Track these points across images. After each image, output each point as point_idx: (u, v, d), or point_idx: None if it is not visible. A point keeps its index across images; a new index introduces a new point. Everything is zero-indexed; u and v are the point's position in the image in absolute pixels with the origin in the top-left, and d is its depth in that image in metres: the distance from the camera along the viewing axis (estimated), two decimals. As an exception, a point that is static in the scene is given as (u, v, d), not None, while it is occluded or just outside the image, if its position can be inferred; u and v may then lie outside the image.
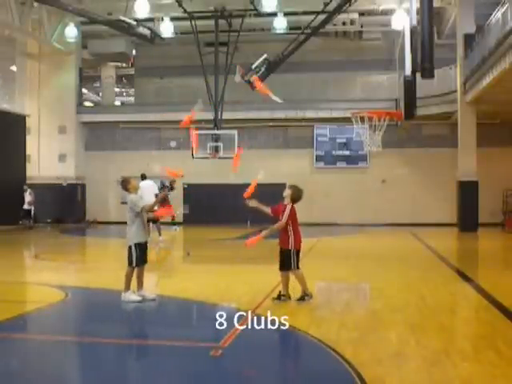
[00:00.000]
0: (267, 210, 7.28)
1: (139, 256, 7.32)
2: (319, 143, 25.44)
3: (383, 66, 25.04)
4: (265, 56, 20.15)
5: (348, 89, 25.17)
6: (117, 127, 26.49)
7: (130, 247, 7.33)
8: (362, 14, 23.80)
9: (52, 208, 25.06)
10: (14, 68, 26.55)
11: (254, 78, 6.53)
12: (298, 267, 7.17)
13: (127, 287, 7.37)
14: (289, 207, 7.10)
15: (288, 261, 7.13)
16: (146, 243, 7.48)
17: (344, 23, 23.70)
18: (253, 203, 7.23)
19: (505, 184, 22.84)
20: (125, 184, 7.52)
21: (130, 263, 7.34)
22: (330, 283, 9.50)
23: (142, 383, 4.50)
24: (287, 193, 7.15)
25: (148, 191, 15.68)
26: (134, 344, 5.51)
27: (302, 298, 7.16)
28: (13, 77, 26.40)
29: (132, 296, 7.35)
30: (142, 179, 16.07)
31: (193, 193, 24.86)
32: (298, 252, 7.18)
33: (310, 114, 24.59)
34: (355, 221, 23.97)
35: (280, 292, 7.25)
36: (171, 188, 17.08)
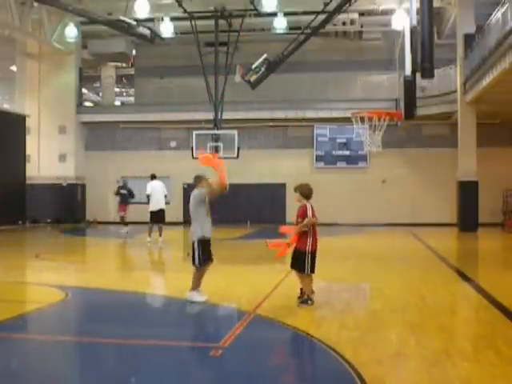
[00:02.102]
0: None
1: (204, 253, 7.14)
2: (319, 143, 25.44)
3: (383, 66, 25.04)
4: (265, 56, 20.18)
5: (348, 89, 25.18)
6: (117, 127, 26.50)
7: (195, 242, 7.16)
8: (362, 14, 23.79)
9: (52, 208, 25.08)
10: (14, 68, 26.57)
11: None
12: (312, 271, 6.99)
13: (196, 286, 7.21)
14: (309, 205, 6.98)
15: (302, 263, 6.94)
16: (208, 240, 7.24)
17: (344, 23, 23.69)
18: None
19: (505, 184, 22.84)
20: (197, 181, 7.45)
21: (202, 262, 7.15)
22: (330, 283, 9.49)
23: (142, 383, 4.50)
24: (297, 196, 7.07)
25: (158, 191, 15.72)
26: (133, 344, 5.50)
27: (304, 302, 7.05)
28: (13, 77, 26.42)
29: (197, 296, 7.15)
30: (152, 179, 16.09)
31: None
32: (313, 254, 7.01)
33: (309, 114, 24.60)
34: (355, 221, 23.97)
35: (301, 289, 7.15)
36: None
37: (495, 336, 5.67)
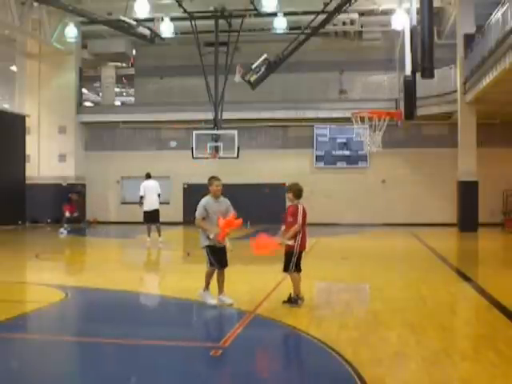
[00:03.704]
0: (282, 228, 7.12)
1: (214, 259, 7.01)
2: (319, 143, 25.44)
3: (383, 66, 25.04)
4: (265, 56, 20.20)
5: (348, 89, 25.18)
6: (117, 127, 26.51)
7: (204, 249, 7.11)
8: (362, 14, 23.78)
9: (52, 208, 25.05)
10: (14, 68, 26.55)
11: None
12: (297, 270, 6.99)
13: (206, 286, 7.15)
14: (300, 207, 7.01)
15: (288, 262, 6.99)
16: (219, 247, 7.01)
17: (344, 23, 23.68)
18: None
19: (505, 184, 22.85)
20: (209, 183, 7.15)
21: (208, 264, 7.10)
22: (329, 283, 9.50)
23: (142, 383, 4.50)
24: (289, 196, 7.11)
25: (151, 191, 15.65)
26: (133, 344, 5.50)
27: (294, 301, 6.94)
28: (13, 77, 26.40)
29: (207, 297, 7.10)
30: (147, 178, 16.00)
31: (192, 193, 24.86)
32: (300, 254, 7.02)
33: (309, 114, 24.60)
34: (355, 221, 23.97)
35: (290, 294, 7.05)
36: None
37: (495, 336, 5.67)
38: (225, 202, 7.18)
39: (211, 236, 6.90)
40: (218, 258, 7.03)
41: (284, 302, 7.09)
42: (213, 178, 7.14)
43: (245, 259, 12.58)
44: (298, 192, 7.10)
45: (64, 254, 15.04)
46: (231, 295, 7.87)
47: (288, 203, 7.26)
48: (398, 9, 21.76)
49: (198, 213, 6.99)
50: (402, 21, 20.18)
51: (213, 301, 7.05)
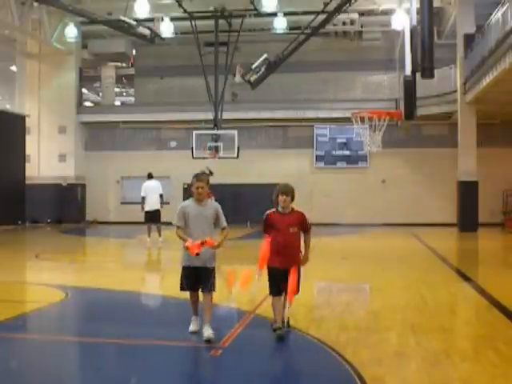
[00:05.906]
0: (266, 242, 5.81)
1: (184, 279, 5.59)
2: (319, 143, 25.44)
3: (383, 66, 25.04)
4: (265, 56, 20.23)
5: (348, 89, 25.19)
6: (117, 127, 26.51)
7: None
8: (361, 14, 23.80)
9: (52, 208, 25.08)
10: (14, 68, 26.56)
11: None
12: (270, 293, 5.83)
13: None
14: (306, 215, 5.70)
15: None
16: (194, 267, 5.48)
17: (344, 23, 23.71)
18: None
19: (505, 184, 22.85)
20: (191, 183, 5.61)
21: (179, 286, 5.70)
22: (329, 283, 9.50)
23: (142, 383, 4.50)
24: (288, 199, 5.56)
25: (153, 190, 15.61)
26: (133, 344, 5.50)
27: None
28: (13, 77, 26.41)
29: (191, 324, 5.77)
30: (148, 178, 15.95)
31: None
32: (269, 271, 5.85)
33: (309, 114, 24.60)
34: (355, 221, 23.97)
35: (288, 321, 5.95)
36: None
37: (495, 336, 5.67)
38: (212, 207, 5.59)
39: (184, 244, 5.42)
40: (188, 278, 5.57)
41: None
42: (195, 177, 5.53)
43: (245, 259, 12.58)
44: (294, 194, 5.66)
45: (64, 253, 15.02)
46: (231, 295, 7.88)
47: (283, 208, 5.60)
48: (398, 9, 21.76)
49: (175, 221, 5.54)
50: (402, 21, 20.18)
51: (192, 328, 5.71)
